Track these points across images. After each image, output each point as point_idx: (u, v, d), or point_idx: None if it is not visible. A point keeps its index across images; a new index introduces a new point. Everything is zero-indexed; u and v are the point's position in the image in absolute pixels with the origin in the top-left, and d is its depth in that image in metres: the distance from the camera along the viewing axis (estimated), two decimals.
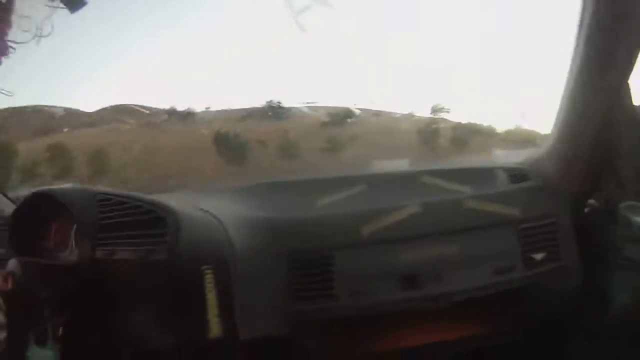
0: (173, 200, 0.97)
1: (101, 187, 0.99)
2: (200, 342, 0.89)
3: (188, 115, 3.45)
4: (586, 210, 1.17)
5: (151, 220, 0.90)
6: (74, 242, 0.93)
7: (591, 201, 1.17)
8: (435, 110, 3.43)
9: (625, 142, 1.07)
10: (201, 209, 1.02)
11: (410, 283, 1.01)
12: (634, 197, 1.08)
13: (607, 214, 1.12)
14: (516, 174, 1.20)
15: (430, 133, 3.41)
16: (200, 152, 3.26)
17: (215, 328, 0.87)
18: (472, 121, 3.50)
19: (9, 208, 1.14)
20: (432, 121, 3.46)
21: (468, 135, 3.41)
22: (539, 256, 1.07)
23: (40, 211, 0.95)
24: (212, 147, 3.28)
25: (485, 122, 3.47)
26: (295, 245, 1.00)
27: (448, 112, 3.46)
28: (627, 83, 1.03)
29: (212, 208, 1.03)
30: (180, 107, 3.41)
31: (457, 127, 3.49)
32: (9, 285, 0.97)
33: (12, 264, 0.98)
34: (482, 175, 1.24)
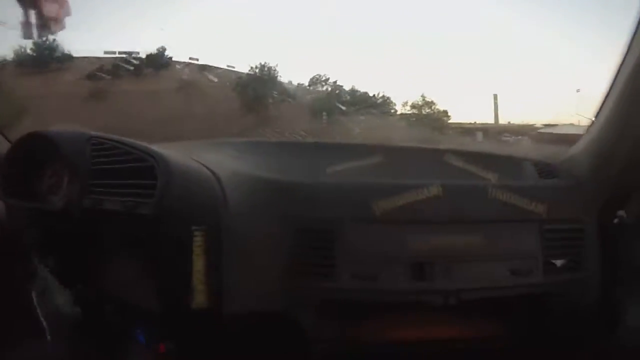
0: (169, 150, 0.89)
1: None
2: (181, 310, 0.82)
3: None
4: (614, 221, 1.07)
5: (142, 169, 0.83)
6: (65, 186, 0.88)
7: (620, 212, 1.08)
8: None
9: None
10: (197, 161, 0.94)
11: (420, 273, 0.91)
12: None
13: (636, 229, 1.04)
14: (546, 169, 1.11)
15: None
16: None
17: (199, 297, 0.80)
18: None
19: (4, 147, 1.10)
20: None
21: None
22: (559, 262, 0.98)
23: (35, 153, 0.90)
24: None
25: None
26: (297, 213, 0.89)
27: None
28: None
29: (209, 161, 0.94)
30: None
31: None
32: None
33: None
34: (508, 164, 1.14)
